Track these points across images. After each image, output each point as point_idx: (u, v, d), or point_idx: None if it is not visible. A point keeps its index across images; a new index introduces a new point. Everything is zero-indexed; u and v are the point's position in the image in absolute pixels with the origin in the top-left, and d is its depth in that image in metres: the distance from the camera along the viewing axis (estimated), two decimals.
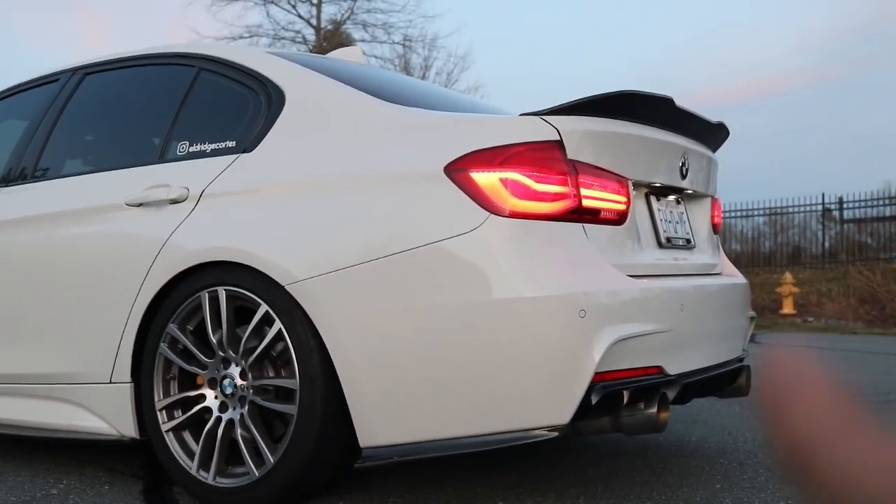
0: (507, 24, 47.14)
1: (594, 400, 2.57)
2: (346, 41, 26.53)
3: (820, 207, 21.45)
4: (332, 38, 26.87)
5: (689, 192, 3.44)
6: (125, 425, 3.23)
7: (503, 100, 39.36)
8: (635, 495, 3.04)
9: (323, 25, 27.46)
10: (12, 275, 3.63)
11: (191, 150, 3.29)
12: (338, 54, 4.22)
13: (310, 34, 27.48)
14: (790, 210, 21.83)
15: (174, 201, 3.16)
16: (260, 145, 3.10)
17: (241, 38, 26.53)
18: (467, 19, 51.24)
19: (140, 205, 3.25)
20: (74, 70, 3.99)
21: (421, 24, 38.10)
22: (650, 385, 2.76)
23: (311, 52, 24.56)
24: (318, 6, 27.15)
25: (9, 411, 3.65)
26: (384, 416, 2.68)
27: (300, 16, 27.31)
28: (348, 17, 27.50)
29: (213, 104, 3.45)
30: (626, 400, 2.69)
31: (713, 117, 3.48)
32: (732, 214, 21.99)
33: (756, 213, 22.28)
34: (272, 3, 26.77)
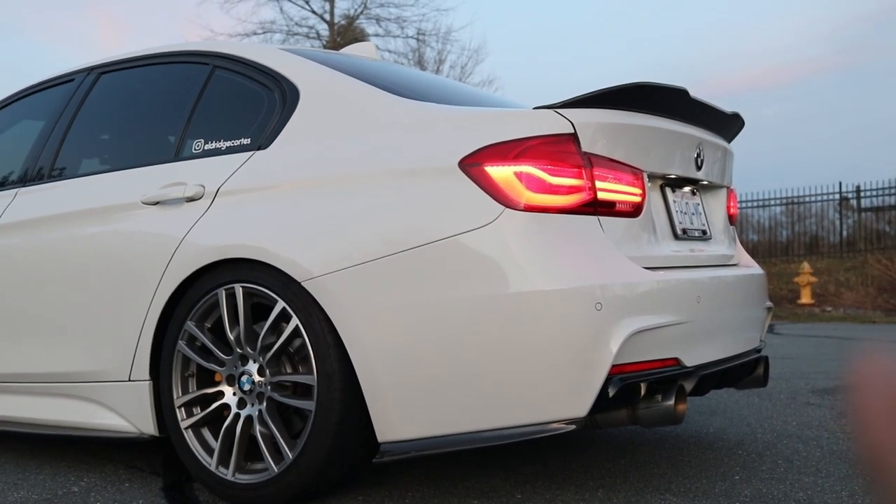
0: (521, 15, 47.06)
1: (612, 392, 2.57)
2: (360, 36, 26.54)
3: (837, 196, 21.35)
4: (345, 34, 26.89)
5: (705, 183, 3.43)
6: (144, 423, 3.25)
7: (517, 92, 39.26)
8: (654, 487, 3.04)
9: (336, 21, 27.47)
10: (31, 274, 3.65)
11: (206, 147, 3.30)
12: (351, 50, 4.23)
13: (323, 29, 27.50)
14: (807, 199, 21.74)
15: (190, 199, 3.17)
16: (275, 142, 3.11)
17: (255, 34, 26.58)
18: (481, 12, 51.14)
19: (156, 203, 3.26)
20: (90, 69, 4.01)
21: (434, 17, 38.18)
22: (668, 377, 2.76)
23: (324, 47, 24.60)
24: (331, 1, 27.15)
25: (30, 410, 3.68)
26: (402, 411, 2.69)
27: (313, 11, 27.33)
28: (361, 12, 27.50)
29: (227, 102, 3.46)
30: (643, 392, 2.69)
31: (727, 107, 3.47)
32: (749, 204, 21.92)
33: (772, 202, 22.20)
34: None
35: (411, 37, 27.58)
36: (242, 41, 25.18)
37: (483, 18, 47.46)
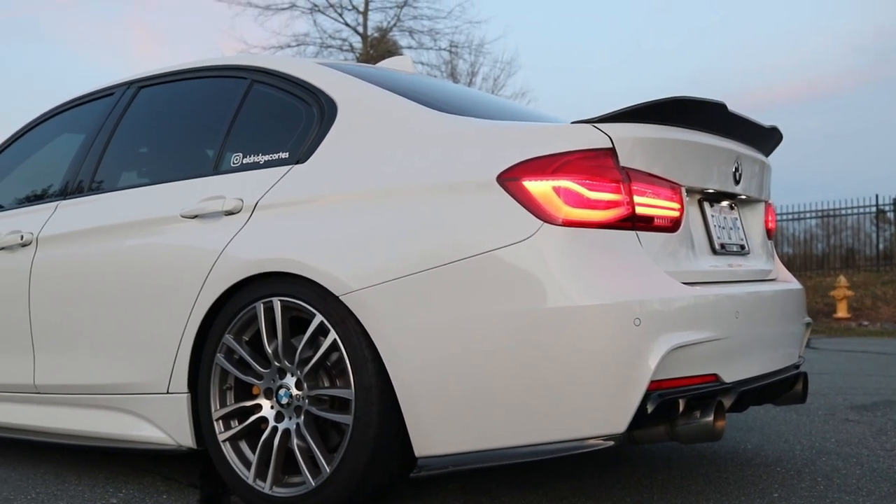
0: (553, 28, 47.04)
1: (650, 408, 2.56)
2: (393, 48, 26.66)
3: (874, 209, 21.15)
4: (378, 46, 27.00)
5: (743, 197, 3.41)
6: (182, 435, 3.26)
7: (549, 105, 39.31)
8: None
9: (369, 33, 27.60)
10: (70, 287, 3.68)
11: (244, 161, 3.32)
12: (388, 64, 4.24)
13: (356, 42, 27.63)
14: (843, 212, 21.56)
15: (229, 213, 3.19)
16: (313, 156, 3.13)
17: (289, 46, 26.76)
18: (513, 24, 51.26)
19: (195, 216, 3.29)
20: (129, 83, 4.05)
21: (467, 29, 38.19)
22: (706, 393, 2.74)
23: (357, 60, 24.72)
24: (365, 14, 27.28)
25: (69, 421, 3.71)
26: (439, 426, 2.69)
27: (347, 24, 27.47)
28: (395, 25, 27.61)
29: (265, 116, 3.48)
30: (681, 408, 2.67)
31: (765, 121, 3.45)
32: (784, 217, 21.77)
33: (808, 215, 22.03)
34: (319, 11, 26.95)
35: (444, 49, 27.66)
36: (276, 54, 25.36)
37: (515, 31, 47.60)
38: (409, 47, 27.29)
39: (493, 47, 34.98)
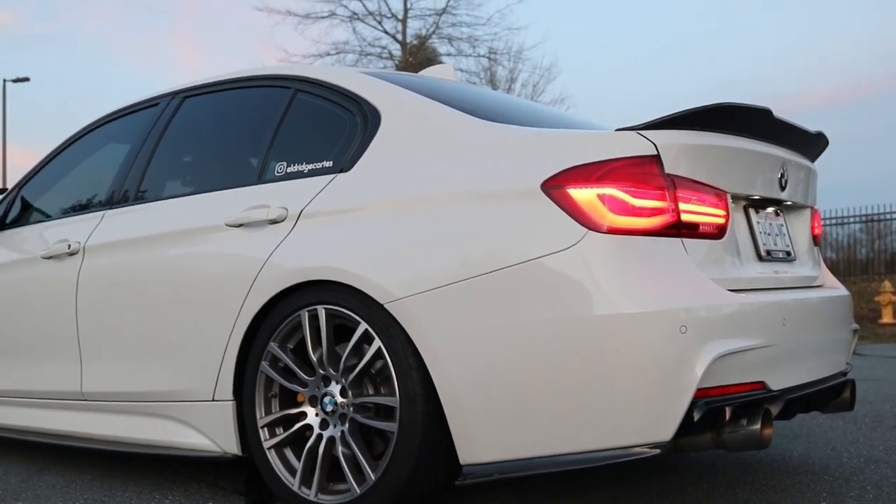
0: (593, 34, 46.96)
1: (696, 416, 2.54)
2: (432, 56, 26.72)
3: None
4: (417, 53, 27.09)
5: (789, 203, 3.38)
6: (228, 442, 3.29)
7: (589, 111, 39.20)
8: None
9: (408, 41, 27.69)
10: (117, 295, 3.72)
11: (288, 170, 3.34)
12: (430, 72, 4.25)
13: (395, 50, 27.75)
14: (887, 216, 21.28)
15: (273, 221, 3.21)
16: (356, 165, 3.14)
17: (328, 55, 26.91)
18: (552, 31, 51.17)
19: (240, 225, 3.31)
20: (174, 94, 4.09)
21: (506, 36, 38.11)
22: (753, 401, 2.71)
23: (396, 67, 24.80)
24: (404, 21, 27.39)
25: (115, 428, 3.75)
26: (484, 434, 2.68)
27: (386, 31, 27.59)
28: (433, 32, 27.70)
29: (309, 125, 3.50)
30: (728, 416, 2.65)
31: (810, 126, 3.42)
32: (827, 222, 21.54)
33: (851, 220, 21.77)
34: (358, 19, 27.10)
35: (483, 56, 27.68)
36: (316, 62, 25.48)
37: (554, 37, 47.54)
38: (448, 54, 27.36)
39: (532, 53, 34.92)
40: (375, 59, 27.34)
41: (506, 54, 27.97)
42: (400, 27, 27.52)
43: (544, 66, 36.59)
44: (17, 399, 4.24)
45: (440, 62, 24.81)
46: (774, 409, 2.82)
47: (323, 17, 26.71)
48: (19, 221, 4.56)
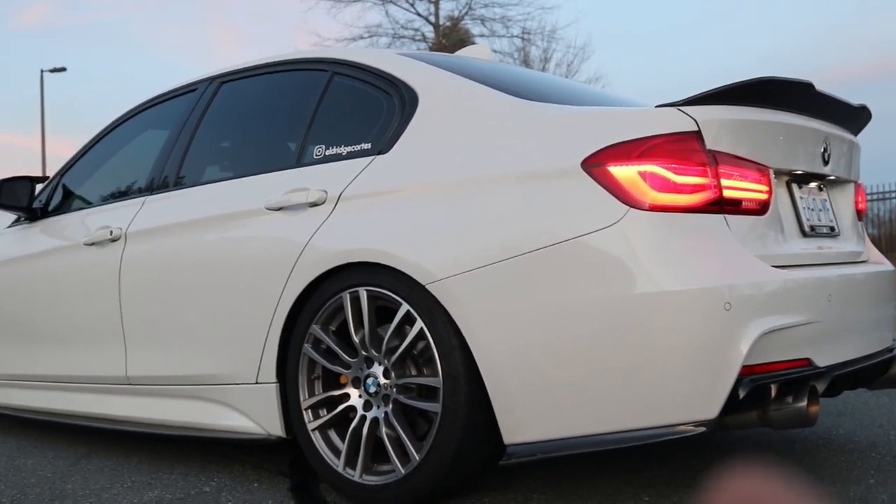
0: (627, 11, 46.58)
1: (742, 394, 2.53)
2: (465, 37, 26.68)
3: None
4: (450, 35, 27.04)
5: (832, 178, 3.34)
6: (272, 424, 3.31)
7: (624, 89, 38.91)
8: None
9: (441, 22, 27.65)
10: (159, 280, 3.76)
11: (327, 153, 3.34)
12: (466, 52, 4.24)
13: (428, 31, 27.71)
14: None
15: (313, 204, 3.22)
16: (395, 146, 3.14)
17: (361, 38, 26.95)
18: (586, 9, 50.85)
19: (280, 209, 3.32)
20: (212, 79, 4.10)
21: (539, 16, 38.06)
22: (799, 378, 2.69)
23: (429, 49, 24.76)
24: (436, 3, 27.35)
25: (160, 412, 3.79)
26: (528, 414, 2.68)
27: (419, 14, 27.58)
28: (466, 13, 27.65)
29: (347, 107, 3.50)
30: (773, 393, 2.63)
31: (853, 99, 3.37)
32: (869, 197, 21.23)
33: (894, 195, 21.49)
34: (391, 2, 27.12)
35: (516, 36, 27.64)
36: (349, 45, 25.51)
37: (588, 15, 47.20)
38: (482, 35, 27.32)
39: (565, 33, 34.76)
40: (408, 42, 27.33)
41: (539, 34, 27.93)
42: (432, 9, 27.48)
43: (578, 45, 36.44)
44: (64, 384, 4.30)
45: (473, 43, 24.76)
46: (820, 386, 2.79)
47: (356, 1, 26.72)
48: (61, 209, 4.61)
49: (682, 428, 2.55)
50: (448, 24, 27.83)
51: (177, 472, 3.63)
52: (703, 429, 2.54)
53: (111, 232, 4.00)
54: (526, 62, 26.96)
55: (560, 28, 34.60)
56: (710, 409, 2.51)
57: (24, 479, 3.65)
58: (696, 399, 2.52)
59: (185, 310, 3.62)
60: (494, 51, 26.52)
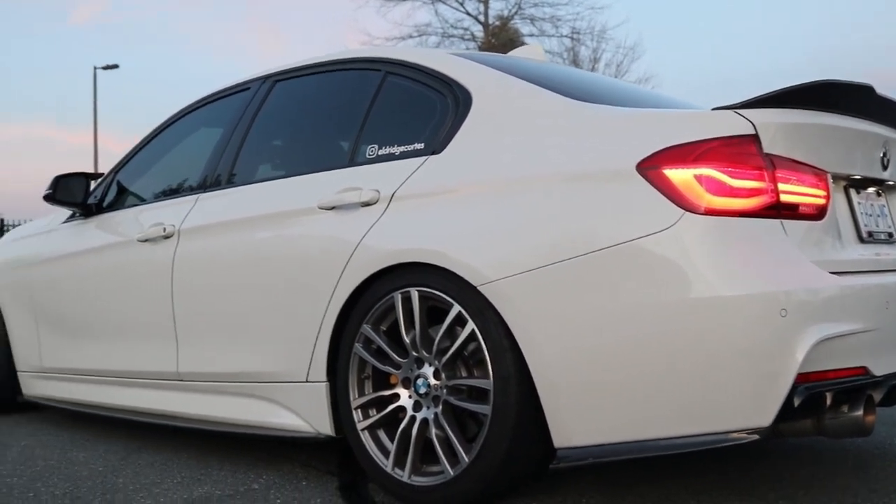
0: (677, 11, 46.27)
1: (797, 402, 2.48)
2: (514, 36, 26.68)
3: None
4: (499, 34, 27.05)
5: (891, 183, 3.29)
6: (321, 423, 3.32)
7: (674, 90, 38.62)
8: (839, 500, 2.92)
9: (490, 21, 27.65)
10: (212, 278, 3.78)
11: (380, 153, 3.35)
12: (519, 53, 4.23)
13: (478, 31, 27.74)
14: None
15: (366, 204, 3.22)
16: (448, 147, 3.13)
17: (410, 37, 27.04)
18: (636, 9, 50.57)
19: (332, 208, 3.33)
20: (265, 78, 4.13)
21: (589, 15, 37.87)
22: (855, 386, 2.65)
23: (479, 48, 24.77)
24: (486, 2, 27.39)
25: (210, 408, 3.81)
26: (579, 417, 2.67)
27: (468, 13, 27.60)
28: (516, 13, 27.64)
29: (400, 107, 3.50)
30: (829, 402, 2.60)
31: None
32: None
33: None
34: (441, 1, 27.11)
35: (566, 36, 27.59)
36: (398, 45, 25.58)
37: (638, 15, 46.97)
38: (531, 35, 27.30)
39: (615, 33, 34.65)
40: (457, 41, 27.37)
41: (589, 34, 27.82)
42: (482, 8, 27.49)
43: (628, 45, 36.26)
44: (116, 379, 4.34)
45: (522, 43, 24.73)
46: (877, 395, 2.74)
47: (405, 0, 26.78)
48: (115, 205, 4.66)
49: (735, 435, 2.52)
50: (497, 23, 27.83)
51: (226, 468, 3.66)
52: (756, 436, 2.51)
53: (164, 229, 4.04)
54: (575, 62, 26.90)
55: (610, 28, 34.41)
56: (765, 416, 2.48)
57: (76, 472, 3.69)
58: (751, 406, 2.49)
59: (237, 307, 3.65)
60: (543, 51, 26.50)
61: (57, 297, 4.77)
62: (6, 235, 6.02)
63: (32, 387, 4.99)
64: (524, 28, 27.89)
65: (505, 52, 4.29)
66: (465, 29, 27.73)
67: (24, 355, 5.01)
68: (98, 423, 4.77)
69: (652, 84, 26.56)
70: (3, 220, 24.96)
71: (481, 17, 27.65)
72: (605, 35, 28.37)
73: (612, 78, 4.33)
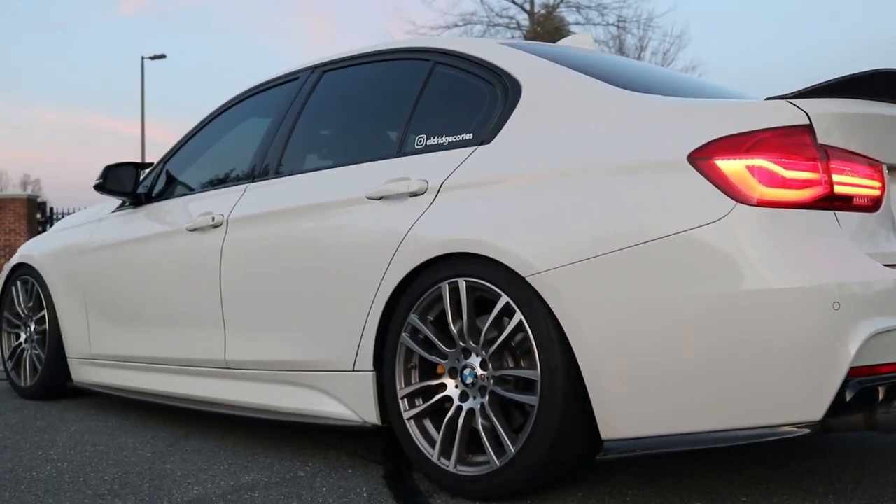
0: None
1: (848, 396, 2.45)
2: (560, 25, 26.55)
3: None
4: (545, 23, 26.93)
5: None
6: (368, 412, 3.33)
7: (721, 79, 38.22)
8: (890, 496, 2.89)
9: (536, 10, 27.54)
10: (260, 267, 3.81)
11: (428, 143, 3.35)
12: (568, 42, 4.20)
13: (523, 19, 27.65)
14: None
15: (414, 194, 3.22)
16: (497, 137, 3.12)
17: (456, 26, 27.03)
18: None
19: (381, 198, 3.33)
20: (314, 68, 4.14)
21: (635, 3, 37.56)
22: None
23: (524, 37, 24.69)
24: None
25: (257, 396, 3.84)
26: (627, 409, 2.65)
27: (514, 1, 27.52)
28: (561, 1, 27.45)
29: (448, 97, 3.50)
30: (882, 396, 2.56)
31: None
32: None
33: None
34: None
35: (612, 24, 27.42)
36: (443, 34, 25.51)
37: (685, 3, 46.52)
38: (577, 23, 27.16)
39: (662, 21, 34.33)
40: (503, 30, 27.30)
41: (635, 22, 27.63)
42: None
43: (675, 33, 35.95)
44: (164, 366, 4.39)
45: (568, 31, 24.60)
46: None
47: None
48: (164, 194, 4.70)
49: (785, 429, 2.49)
50: (543, 11, 27.71)
51: (272, 455, 3.68)
52: (806, 430, 2.48)
53: (213, 218, 4.07)
54: (621, 51, 26.75)
55: (657, 16, 34.15)
56: (816, 410, 2.45)
57: (125, 457, 3.74)
58: (801, 400, 2.46)
59: (285, 296, 3.67)
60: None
61: (106, 284, 4.83)
62: (56, 224, 6.10)
63: (81, 373, 5.06)
64: (570, 16, 27.78)
65: (551, 40, 4.26)
66: (511, 17, 27.67)
67: (73, 342, 5.08)
68: (145, 409, 4.83)
69: (699, 73, 26.34)
70: (52, 209, 25.27)
71: (527, 6, 27.55)
72: (651, 23, 28.19)
73: (659, 66, 4.29)
